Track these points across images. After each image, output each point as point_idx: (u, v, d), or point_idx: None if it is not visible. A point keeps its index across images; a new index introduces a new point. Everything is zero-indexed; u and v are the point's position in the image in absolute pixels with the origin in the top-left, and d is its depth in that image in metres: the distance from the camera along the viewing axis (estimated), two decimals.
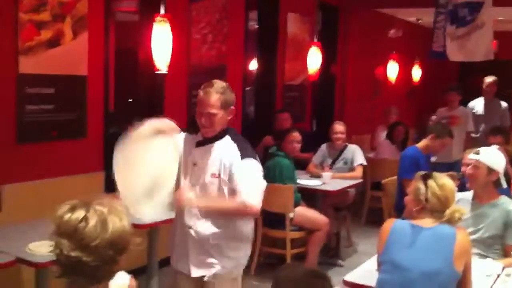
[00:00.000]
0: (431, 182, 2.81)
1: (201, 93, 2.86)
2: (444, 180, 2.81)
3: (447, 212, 2.73)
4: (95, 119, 4.33)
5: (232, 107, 2.89)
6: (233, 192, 2.80)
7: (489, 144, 4.88)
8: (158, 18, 4.03)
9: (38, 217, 3.63)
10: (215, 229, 2.86)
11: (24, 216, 3.68)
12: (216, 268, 2.89)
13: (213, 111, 2.79)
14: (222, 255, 2.88)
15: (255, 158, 2.87)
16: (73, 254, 1.57)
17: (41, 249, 3.00)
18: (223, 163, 2.82)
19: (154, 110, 5.01)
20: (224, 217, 2.85)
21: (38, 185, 3.92)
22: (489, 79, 7.21)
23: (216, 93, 2.81)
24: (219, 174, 2.81)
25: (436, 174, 2.87)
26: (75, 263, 1.58)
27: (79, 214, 1.61)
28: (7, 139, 3.72)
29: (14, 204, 3.75)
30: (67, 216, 1.62)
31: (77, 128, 4.20)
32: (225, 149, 2.85)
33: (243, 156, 2.82)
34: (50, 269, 3.04)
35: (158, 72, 4.09)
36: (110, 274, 1.67)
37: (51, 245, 1.63)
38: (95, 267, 1.59)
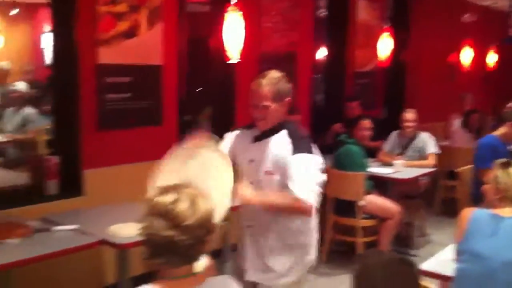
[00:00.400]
0: (511, 170, 2.73)
1: (253, 84, 2.69)
2: None
3: None
4: (169, 107, 4.44)
5: (288, 99, 2.70)
6: (286, 189, 2.62)
7: None
8: (230, 8, 4.08)
9: (118, 201, 3.80)
10: (273, 231, 2.73)
11: (104, 200, 3.84)
12: (272, 274, 2.75)
13: (265, 103, 2.63)
14: (279, 259, 2.74)
15: (309, 152, 2.64)
16: (166, 233, 1.63)
17: (122, 231, 3.12)
18: (276, 160, 2.66)
19: (225, 98, 5.11)
20: (279, 214, 2.69)
21: (117, 170, 4.08)
22: None
23: (268, 85, 2.64)
24: (273, 171, 2.66)
25: None
26: (168, 243, 1.63)
27: (171, 196, 1.68)
28: (89, 127, 3.89)
29: (96, 188, 3.92)
30: (159, 198, 1.69)
31: (153, 115, 4.33)
32: (279, 145, 2.68)
33: (295, 151, 2.62)
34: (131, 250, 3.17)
35: (230, 61, 4.13)
36: (199, 254, 1.73)
37: (143, 226, 1.68)
38: (188, 246, 1.65)
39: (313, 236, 2.84)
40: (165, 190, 1.71)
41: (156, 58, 4.29)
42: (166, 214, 1.65)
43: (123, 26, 4.05)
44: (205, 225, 1.69)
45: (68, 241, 3.03)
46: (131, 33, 4.10)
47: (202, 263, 1.81)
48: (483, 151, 4.72)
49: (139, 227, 1.70)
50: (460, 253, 2.74)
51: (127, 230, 3.09)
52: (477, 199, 4.61)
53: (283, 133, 2.70)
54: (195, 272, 1.74)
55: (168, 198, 1.67)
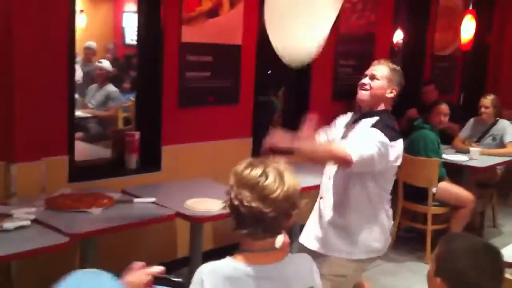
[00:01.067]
0: None
1: (375, 60, 2.93)
2: None
3: None
4: (246, 87, 4.54)
5: (396, 88, 2.82)
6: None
7: None
8: None
9: (193, 177, 3.96)
10: (337, 207, 2.80)
11: (181, 176, 4.01)
12: (329, 247, 2.81)
13: (377, 73, 2.79)
14: (339, 236, 2.78)
15: (383, 132, 2.63)
16: (254, 204, 1.69)
17: (198, 205, 3.27)
18: None
19: (299, 79, 5.14)
20: (323, 160, 2.72)
21: (194, 147, 4.22)
22: None
23: (388, 66, 2.84)
24: None
25: None
26: (255, 214, 1.70)
27: (259, 169, 1.74)
28: (170, 104, 4.03)
29: (173, 164, 4.08)
30: (247, 171, 1.74)
31: (231, 95, 4.44)
32: (364, 126, 2.73)
33: (372, 126, 2.68)
34: (205, 225, 3.31)
35: None
36: (283, 228, 1.79)
37: (231, 196, 1.74)
38: (274, 218, 1.71)
39: (382, 226, 2.84)
40: (253, 163, 1.76)
41: (237, 38, 4.38)
42: (255, 186, 1.71)
43: (206, 5, 4.14)
44: (290, 199, 1.74)
45: (147, 213, 3.19)
46: (214, 13, 4.19)
47: (280, 239, 1.83)
48: None
49: (226, 198, 1.77)
50: None
51: (202, 205, 3.25)
52: None
53: (374, 119, 2.75)
54: (276, 247, 1.79)
55: (256, 171, 1.73)
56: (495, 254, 1.71)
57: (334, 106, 5.34)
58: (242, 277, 1.71)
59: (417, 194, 4.75)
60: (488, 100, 5.58)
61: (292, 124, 5.11)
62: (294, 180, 1.77)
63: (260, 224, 1.72)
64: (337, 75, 5.40)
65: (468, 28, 6.01)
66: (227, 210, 1.78)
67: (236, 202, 1.73)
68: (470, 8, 6.43)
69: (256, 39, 4.56)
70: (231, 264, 1.74)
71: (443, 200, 4.73)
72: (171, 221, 3.73)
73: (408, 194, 4.81)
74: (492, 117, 5.57)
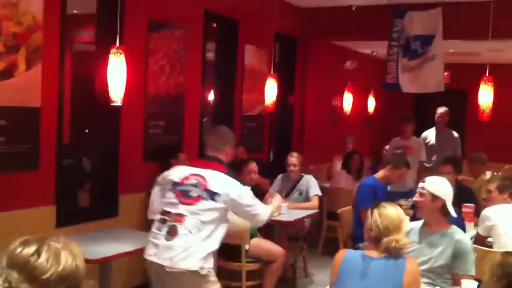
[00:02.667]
0: (375, 211, 2.88)
1: None
2: (387, 210, 2.86)
3: (384, 240, 2.78)
4: (48, 151, 4.26)
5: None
6: None
7: (439, 174, 5.04)
8: (113, 50, 4.02)
9: None
10: None
11: None
12: None
13: None
14: None
15: None
16: (22, 287, 1.53)
17: None
18: None
19: (109, 140, 5.00)
20: None
21: None
22: (441, 109, 7.42)
23: None
24: None
25: (383, 204, 2.93)
26: None
27: (32, 247, 1.59)
28: None
29: None
30: (19, 249, 1.59)
31: (29, 160, 4.12)
32: None
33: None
34: None
35: (113, 104, 4.06)
36: None
37: (1, 280, 1.57)
38: None
39: None
40: (27, 241, 1.61)
41: (34, 100, 4.11)
42: (25, 266, 1.55)
43: None
44: (67, 280, 1.59)
45: None
46: (8, 74, 3.92)
47: None
48: (364, 192, 4.98)
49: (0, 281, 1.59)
50: None
51: None
52: (357, 239, 4.81)
53: None
54: None
55: (28, 249, 1.58)
56: None
57: (145, 167, 5.28)
58: None
59: (231, 251, 4.78)
60: (294, 158, 5.91)
61: (102, 187, 4.99)
62: (75, 260, 1.63)
63: None
64: (147, 136, 5.34)
65: (271, 90, 6.38)
66: None
67: (5, 285, 1.55)
68: (272, 71, 6.86)
69: (58, 100, 4.35)
70: None
71: (256, 256, 4.81)
72: None
73: (223, 252, 4.81)
74: (298, 173, 5.90)
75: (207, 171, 3.48)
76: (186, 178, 3.48)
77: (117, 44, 4.06)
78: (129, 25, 4.92)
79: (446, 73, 7.66)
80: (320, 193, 5.82)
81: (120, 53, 4.03)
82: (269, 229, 5.26)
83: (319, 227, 6.86)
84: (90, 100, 5.11)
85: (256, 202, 3.67)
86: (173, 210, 3.40)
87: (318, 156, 8.42)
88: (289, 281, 5.51)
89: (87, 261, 3.44)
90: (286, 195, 5.84)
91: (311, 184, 5.79)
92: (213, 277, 3.43)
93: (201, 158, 3.91)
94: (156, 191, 3.68)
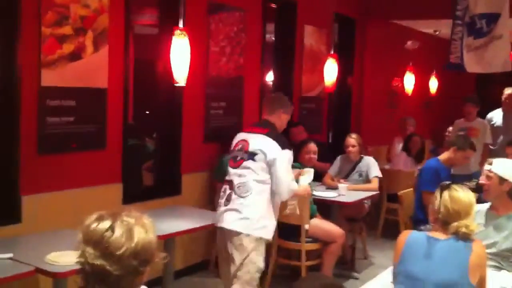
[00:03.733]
0: (445, 194, 2.82)
1: None
2: (459, 193, 2.79)
3: (453, 225, 2.73)
4: (114, 131, 4.40)
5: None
6: None
7: (506, 156, 4.89)
8: (176, 32, 4.09)
9: (58, 228, 3.72)
10: None
11: (44, 227, 3.74)
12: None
13: None
14: None
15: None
16: (97, 262, 1.58)
17: (60, 259, 3.03)
18: None
19: (172, 121, 5.10)
20: None
21: (58, 195, 3.98)
22: (508, 90, 7.14)
23: None
24: None
25: (454, 186, 2.85)
26: (99, 272, 1.58)
27: (106, 223, 1.63)
28: (29, 151, 3.78)
29: (35, 215, 3.80)
30: (94, 225, 1.63)
31: (97, 139, 4.27)
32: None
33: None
34: (69, 279, 3.10)
35: (176, 84, 4.14)
36: (133, 286, 1.66)
37: (77, 254, 1.63)
38: (118, 277, 1.59)
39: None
40: (101, 216, 1.65)
41: (102, 81, 4.25)
42: (99, 242, 1.59)
43: (68, 48, 4.00)
44: (140, 256, 1.62)
45: (2, 270, 2.93)
46: (76, 56, 4.05)
47: None
48: (427, 174, 4.88)
49: (75, 255, 1.65)
50: (397, 275, 2.81)
51: (65, 258, 3.01)
52: (418, 222, 4.75)
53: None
54: None
55: (102, 225, 1.62)
56: None
57: (206, 148, 5.36)
58: None
59: (291, 231, 4.81)
60: (353, 139, 5.85)
61: (165, 167, 5.11)
62: (147, 234, 1.67)
63: (104, 283, 1.59)
64: (208, 117, 5.42)
65: (331, 71, 6.34)
66: None
67: (81, 259, 1.61)
68: (332, 52, 6.82)
69: (123, 82, 4.47)
70: None
71: (315, 236, 4.83)
72: (32, 278, 3.44)
73: (282, 232, 4.86)
74: (357, 155, 5.85)
75: (251, 135, 3.74)
76: (236, 145, 3.80)
77: (180, 26, 4.11)
78: (190, 7, 4.98)
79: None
80: (380, 175, 5.75)
81: (184, 35, 4.10)
82: (328, 210, 5.27)
83: (379, 209, 6.80)
84: (154, 82, 5.23)
85: (289, 171, 3.73)
86: (227, 178, 3.74)
87: (377, 138, 8.31)
88: (348, 262, 5.51)
89: None
90: (346, 176, 5.81)
91: (371, 166, 5.73)
92: (262, 243, 3.65)
93: (254, 123, 4.10)
94: None
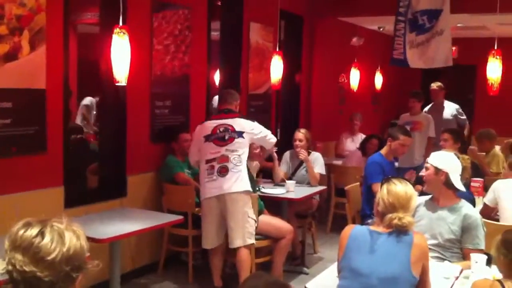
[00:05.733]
0: (383, 187, 2.86)
1: None
2: (396, 187, 2.82)
3: (387, 217, 2.76)
4: (55, 133, 4.26)
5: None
6: None
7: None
8: (116, 30, 4.00)
9: None
10: None
11: None
12: None
13: None
14: None
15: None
16: (27, 269, 1.52)
17: None
18: None
19: (116, 121, 5.00)
20: None
21: None
22: (432, 85, 7.47)
23: None
24: None
25: (393, 180, 2.89)
26: (29, 279, 1.53)
27: (35, 229, 1.57)
28: None
29: None
30: (21, 231, 1.57)
31: (36, 142, 4.13)
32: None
33: None
34: None
35: (117, 84, 4.05)
36: None
37: (4, 262, 1.57)
38: (50, 283, 1.55)
39: None
40: (30, 223, 1.60)
41: (40, 82, 4.11)
42: (28, 248, 1.54)
43: (3, 49, 3.86)
44: (72, 260, 1.58)
45: None
46: (12, 56, 3.91)
47: None
48: (371, 168, 4.94)
49: (3, 263, 1.59)
50: (341, 270, 2.82)
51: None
52: (365, 216, 4.81)
53: None
54: None
55: (31, 230, 1.57)
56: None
57: (152, 148, 5.28)
58: None
59: None
60: (301, 134, 5.87)
61: (109, 169, 5.00)
62: (79, 240, 1.62)
63: None
64: (154, 116, 5.34)
65: (277, 68, 6.34)
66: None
67: (9, 267, 1.54)
68: (278, 49, 6.81)
69: (63, 82, 4.34)
70: None
71: (264, 233, 4.82)
72: None
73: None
74: (305, 150, 5.87)
75: (229, 120, 4.61)
76: (216, 128, 4.58)
77: (120, 24, 4.03)
78: (133, 5, 4.89)
79: (454, 48, 7.54)
80: (324, 172, 5.80)
81: (124, 33, 4.01)
82: (278, 207, 5.27)
83: (328, 204, 6.86)
84: (98, 82, 5.11)
85: (265, 130, 4.82)
86: (217, 155, 4.51)
87: (326, 134, 8.40)
88: (298, 258, 5.53)
89: (97, 241, 3.53)
90: (293, 172, 5.83)
91: (317, 162, 5.76)
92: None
93: (218, 113, 4.98)
94: (193, 150, 4.78)
